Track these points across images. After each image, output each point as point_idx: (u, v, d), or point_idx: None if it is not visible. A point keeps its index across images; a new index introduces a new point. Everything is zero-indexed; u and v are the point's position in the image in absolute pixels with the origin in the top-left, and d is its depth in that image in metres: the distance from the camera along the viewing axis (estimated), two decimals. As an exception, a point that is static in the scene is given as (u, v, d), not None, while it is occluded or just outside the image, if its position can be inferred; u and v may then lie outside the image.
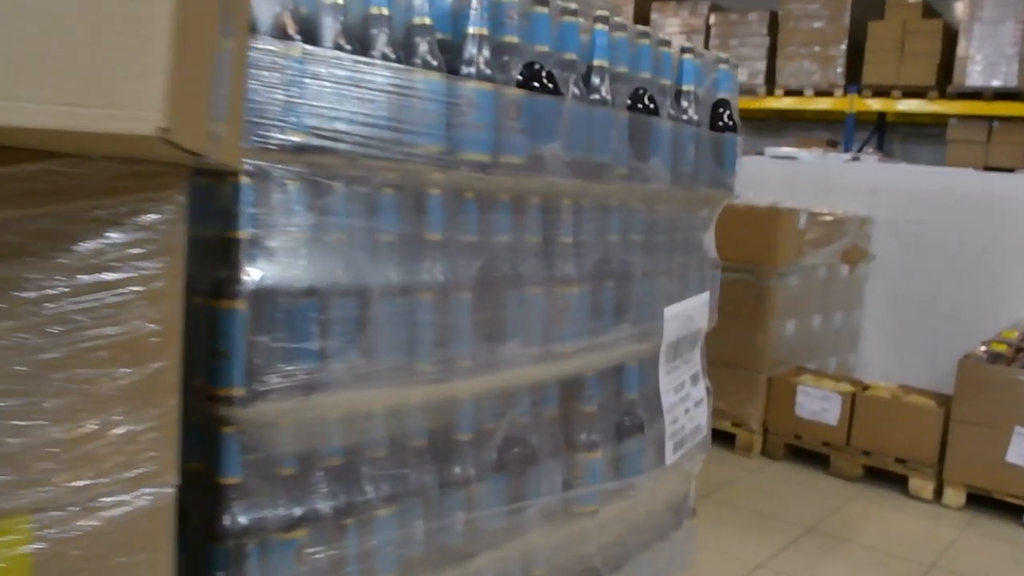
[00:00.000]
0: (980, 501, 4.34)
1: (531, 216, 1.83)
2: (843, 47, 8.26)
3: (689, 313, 2.28)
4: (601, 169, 1.92)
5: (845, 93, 8.23)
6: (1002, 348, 4.36)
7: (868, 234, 5.57)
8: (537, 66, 1.80)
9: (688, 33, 8.96)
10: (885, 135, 9.01)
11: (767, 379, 4.85)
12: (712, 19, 8.84)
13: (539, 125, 1.77)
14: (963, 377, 4.34)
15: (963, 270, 5.36)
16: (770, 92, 8.54)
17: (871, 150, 7.05)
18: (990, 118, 7.81)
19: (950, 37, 7.87)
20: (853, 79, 8.22)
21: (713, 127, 2.34)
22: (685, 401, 2.35)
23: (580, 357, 1.96)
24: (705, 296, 2.40)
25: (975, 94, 7.73)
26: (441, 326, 1.66)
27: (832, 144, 8.11)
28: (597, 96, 1.94)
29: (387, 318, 1.59)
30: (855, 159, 5.95)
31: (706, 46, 8.86)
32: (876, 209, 5.58)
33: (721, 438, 4.97)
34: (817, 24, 8.38)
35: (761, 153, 6.68)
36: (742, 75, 8.51)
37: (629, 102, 2.04)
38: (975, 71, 7.68)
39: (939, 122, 8.20)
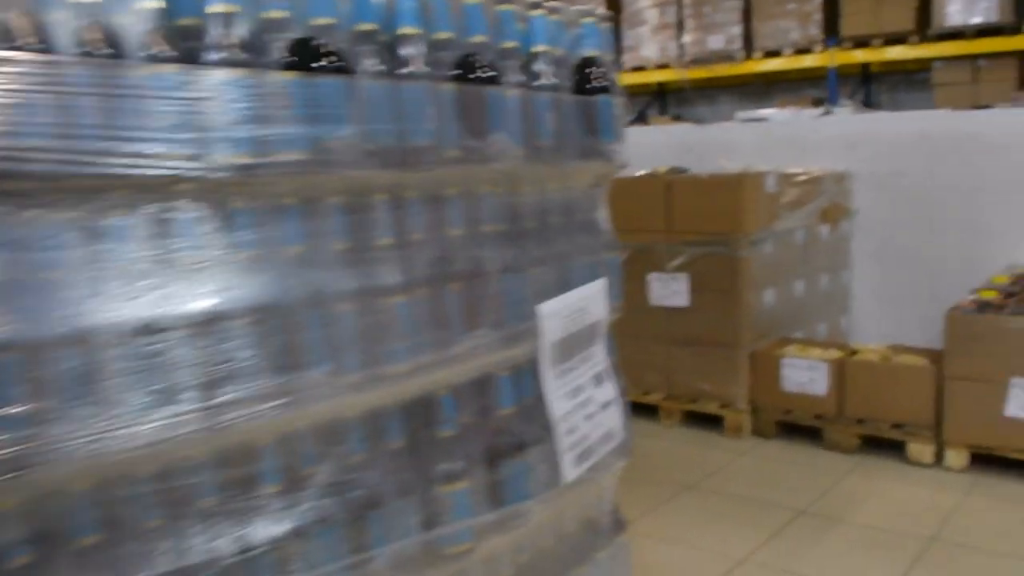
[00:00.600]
0: (984, 460, 3.94)
1: (330, 220, 1.50)
2: (818, 1, 7.85)
3: (578, 306, 1.95)
4: (420, 154, 1.59)
5: (825, 48, 7.81)
6: (991, 295, 3.97)
7: (848, 190, 5.18)
8: (315, 42, 1.48)
9: (661, 5, 8.58)
10: (872, 87, 8.57)
11: (749, 355, 4.49)
12: (684, -11, 8.44)
13: (322, 112, 1.45)
14: (952, 331, 3.95)
15: (949, 217, 4.95)
16: (748, 56, 8.13)
17: (847, 103, 6.63)
18: (975, 57, 7.37)
19: (926, -22, 7.45)
20: (832, 32, 7.80)
21: (580, 90, 2.00)
22: (586, 406, 2.01)
23: (422, 376, 1.63)
24: (599, 284, 2.05)
25: (957, 34, 7.29)
26: (211, 363, 1.35)
27: (819, 102, 7.69)
28: (408, 69, 1.61)
29: (130, 362, 1.27)
30: (828, 113, 5.55)
31: (679, 16, 8.48)
32: (855, 163, 5.19)
33: (709, 421, 4.63)
34: (790, -19, 7.97)
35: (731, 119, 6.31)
36: (718, 42, 8.12)
37: (458, 71, 1.70)
38: (954, 10, 7.24)
39: (925, 67, 7.76)
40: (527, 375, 1.87)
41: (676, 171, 4.88)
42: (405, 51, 1.62)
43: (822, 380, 4.26)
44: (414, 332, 1.61)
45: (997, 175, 4.79)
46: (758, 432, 4.49)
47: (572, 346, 1.97)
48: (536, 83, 1.88)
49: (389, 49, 1.62)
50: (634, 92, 9.68)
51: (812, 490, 3.83)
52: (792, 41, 7.95)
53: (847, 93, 8.14)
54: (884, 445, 4.18)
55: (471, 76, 1.71)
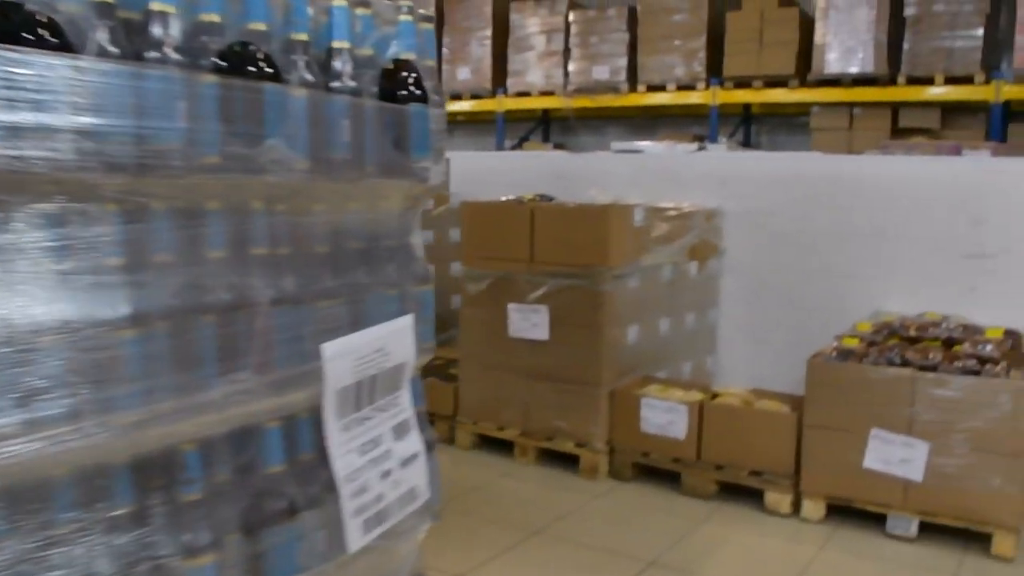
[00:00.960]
0: (841, 512, 3.79)
1: (25, 235, 1.18)
2: (703, 40, 7.79)
3: (375, 346, 1.65)
4: (164, 158, 1.28)
5: (708, 86, 7.75)
6: (854, 343, 3.82)
7: (718, 227, 5.03)
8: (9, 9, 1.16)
9: (548, 32, 8.42)
10: (752, 127, 8.56)
11: (609, 393, 4.26)
12: (571, 16, 8.30)
13: (19, 96, 1.13)
14: (813, 378, 3.79)
15: (818, 260, 4.84)
16: (632, 88, 8.02)
17: (724, 141, 6.54)
18: (851, 104, 7.42)
19: (807, 25, 7.45)
20: (715, 72, 7.75)
21: (388, 97, 1.71)
22: (382, 462, 1.72)
23: (157, 426, 1.31)
24: (404, 322, 1.77)
25: (835, 81, 7.32)
26: None
27: (701, 139, 7.61)
28: (152, 55, 1.30)
29: None
30: (702, 148, 5.42)
31: (566, 45, 8.32)
32: (726, 200, 5.04)
33: (566, 460, 4.37)
34: (677, 17, 7.90)
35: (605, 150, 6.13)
36: (603, 73, 7.98)
37: (226, 62, 1.40)
38: (832, 58, 7.27)
39: (803, 111, 7.79)
40: (304, 426, 1.56)
41: (543, 198, 4.64)
42: (154, 32, 1.31)
43: (681, 423, 4.06)
44: (149, 374, 1.29)
45: (867, 221, 4.69)
46: (615, 474, 4.26)
47: (366, 392, 1.67)
48: (332, 84, 1.58)
49: (134, 29, 1.31)
50: (518, 118, 9.49)
51: (666, 538, 3.61)
52: (676, 77, 7.87)
53: (728, 132, 8.10)
54: (742, 492, 3.99)
55: (243, 69, 1.41)
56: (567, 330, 4.29)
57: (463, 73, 8.95)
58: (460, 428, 4.65)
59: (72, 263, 1.23)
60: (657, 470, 4.19)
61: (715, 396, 4.24)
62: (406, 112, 1.72)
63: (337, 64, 1.60)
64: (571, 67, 8.30)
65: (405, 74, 1.72)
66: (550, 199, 4.66)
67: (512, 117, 9.34)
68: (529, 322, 4.37)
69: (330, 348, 1.55)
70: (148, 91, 1.27)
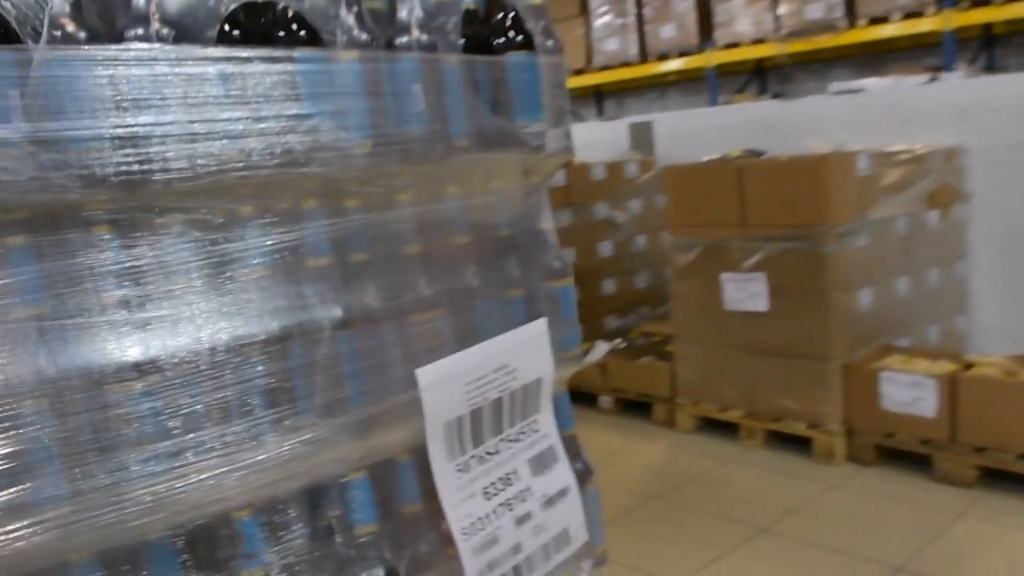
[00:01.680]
0: None
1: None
2: (930, -41, 6.82)
3: (497, 363, 1.28)
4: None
5: (938, 9, 6.78)
6: None
7: (960, 168, 4.28)
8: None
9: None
10: (995, 51, 7.45)
11: (842, 367, 3.68)
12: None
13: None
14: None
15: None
16: (852, 24, 7.15)
17: (963, 69, 5.63)
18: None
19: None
20: (947, -8, 6.76)
21: (477, 47, 1.31)
22: (518, 504, 1.34)
23: (189, 493, 1.00)
24: (534, 329, 1.38)
25: (1098, -19, 6.18)
26: None
27: (935, 70, 6.68)
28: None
29: None
30: (933, 79, 4.64)
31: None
32: (968, 136, 4.28)
33: (797, 443, 3.84)
34: (898, -63, 6.96)
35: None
36: (816, 10, 7.17)
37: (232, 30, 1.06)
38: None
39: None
40: (407, 472, 1.21)
41: (752, 154, 4.09)
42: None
43: (930, 399, 3.43)
44: (180, 426, 0.97)
45: None
46: (854, 458, 3.68)
47: (488, 422, 1.30)
48: (397, 40, 1.21)
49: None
50: (730, 71, 8.79)
51: (915, 537, 3.03)
52: (901, 4, 6.93)
53: (967, 59, 7.09)
54: (1009, 480, 3.32)
55: (267, 34, 1.06)
56: (789, 299, 3.75)
57: (667, 31, 8.36)
58: (680, 410, 4.21)
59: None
60: (904, 453, 3.58)
61: (969, 366, 3.56)
62: (503, 65, 1.32)
63: (403, 14, 1.22)
64: (781, 9, 7.52)
65: (499, 16, 1.32)
66: (760, 154, 4.10)
67: (724, 71, 8.64)
68: (745, 292, 3.86)
69: (427, 374, 1.19)
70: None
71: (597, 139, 5.76)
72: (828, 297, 3.62)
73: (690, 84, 9.30)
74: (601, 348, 4.63)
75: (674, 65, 8.48)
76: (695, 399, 4.15)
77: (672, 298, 4.19)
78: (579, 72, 9.31)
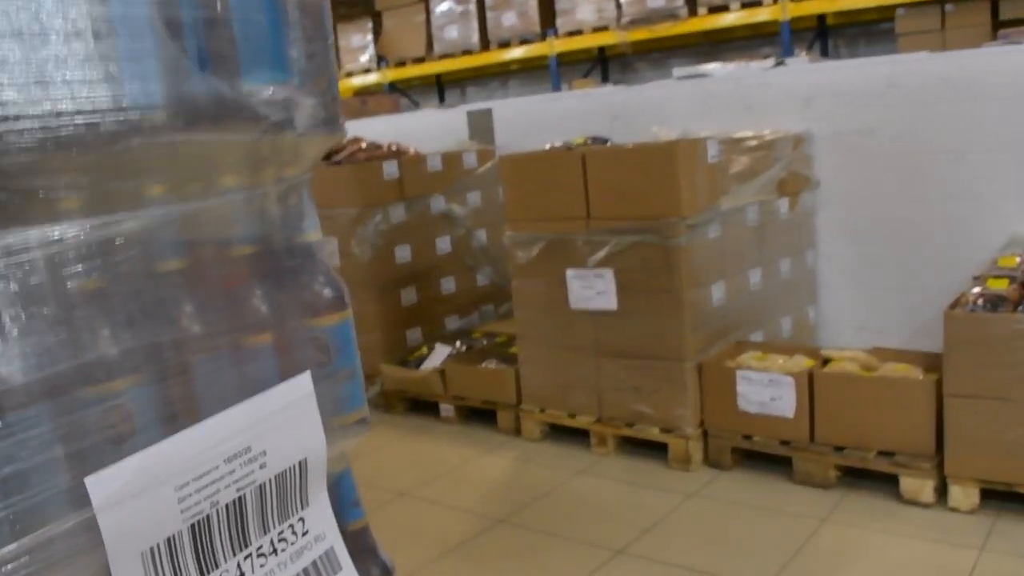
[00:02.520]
0: (998, 499, 2.88)
1: None
2: (766, -52, 6.72)
3: (232, 448, 0.84)
4: None
5: (776, 0, 6.68)
6: (1002, 286, 2.87)
7: (807, 155, 4.06)
8: None
9: (594, -35, 7.42)
10: (828, 41, 7.45)
11: (697, 367, 3.38)
12: (617, -57, 7.28)
13: None
14: (954, 334, 2.85)
15: (931, 183, 3.84)
16: (692, 12, 6.99)
17: (803, 55, 5.50)
18: (942, 1, 6.28)
19: (883, -86, 6.32)
20: (782, -18, 6.67)
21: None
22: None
23: None
24: (294, 389, 0.94)
25: (921, -26, 6.20)
26: None
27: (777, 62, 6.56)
28: None
29: None
30: (779, 64, 4.43)
31: (615, -25, 7.31)
32: (814, 122, 4.07)
33: (651, 449, 3.52)
34: (735, -73, 6.83)
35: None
36: (657, -1, 6.95)
37: None
38: (917, -53, 6.14)
39: (887, 16, 6.67)
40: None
41: (597, 142, 3.74)
42: None
43: (788, 398, 3.17)
44: None
45: (987, 129, 3.68)
46: (712, 462, 3.40)
47: (222, 538, 0.85)
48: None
49: None
50: (572, 60, 8.54)
51: (781, 547, 2.76)
52: (739, -7, 6.81)
53: (803, 48, 7.03)
54: (870, 478, 3.10)
55: None
56: (639, 296, 3.42)
57: (509, 19, 8.02)
58: (526, 417, 3.83)
59: None
60: (762, 455, 3.31)
61: (827, 361, 3.32)
62: (228, 6, 0.87)
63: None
64: (622, -3, 7.30)
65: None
66: (604, 142, 3.76)
67: (566, 60, 8.39)
68: (592, 290, 3.51)
69: (105, 483, 0.73)
70: None
71: (434, 128, 5.33)
72: (680, 293, 3.31)
73: (533, 73, 9.01)
74: (441, 352, 4.21)
75: (516, 53, 8.16)
76: (542, 405, 3.79)
77: (514, 298, 3.80)
78: (419, 60, 8.87)
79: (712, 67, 4.59)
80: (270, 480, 0.93)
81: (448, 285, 4.62)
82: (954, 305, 2.95)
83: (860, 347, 3.48)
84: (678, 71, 4.64)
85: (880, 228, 3.99)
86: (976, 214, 3.73)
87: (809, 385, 3.14)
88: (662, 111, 4.41)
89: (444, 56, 8.60)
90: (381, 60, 9.09)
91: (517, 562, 2.85)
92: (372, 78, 9.19)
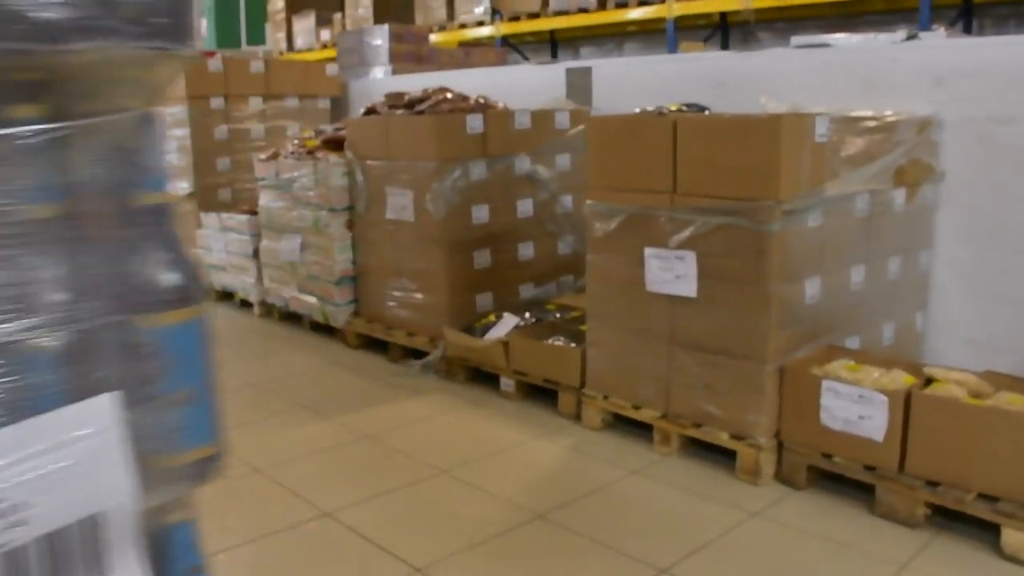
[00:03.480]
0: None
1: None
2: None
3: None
4: None
5: (919, -29, 5.98)
6: None
7: (933, 142, 3.50)
8: None
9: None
10: (973, 19, 6.67)
11: (778, 370, 2.93)
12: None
13: None
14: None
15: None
16: (823, -19, 6.34)
17: (942, 29, 4.84)
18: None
19: None
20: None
21: None
22: None
23: None
24: (83, 414, 0.59)
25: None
26: None
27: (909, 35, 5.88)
28: None
29: None
30: (912, 37, 3.85)
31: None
32: (945, 105, 3.51)
33: (718, 455, 3.10)
34: None
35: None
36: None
37: None
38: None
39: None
40: None
41: (693, 109, 3.28)
42: None
43: (879, 418, 2.69)
44: None
45: None
46: (784, 478, 2.95)
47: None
48: None
49: None
50: (691, 25, 7.96)
51: (850, 596, 2.31)
52: (878, -37, 6.13)
53: (944, 26, 6.29)
54: (966, 522, 2.61)
55: None
56: (721, 284, 2.98)
57: (628, -24, 7.48)
58: (588, 403, 3.45)
59: None
60: (843, 479, 2.85)
61: (929, 381, 2.82)
62: None
63: None
64: (751, -40, 6.68)
65: None
66: (702, 110, 3.30)
67: (685, 24, 7.82)
68: (672, 273, 3.08)
69: None
70: None
71: (532, 84, 4.92)
72: (768, 286, 2.85)
73: (650, 36, 8.46)
74: (508, 322, 3.85)
75: (633, 14, 7.64)
76: (606, 391, 3.39)
77: (587, 273, 3.40)
78: (534, 16, 8.43)
79: (835, 37, 4.03)
80: (35, 543, 0.59)
81: (526, 251, 4.24)
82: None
83: (970, 367, 2.96)
84: (797, 39, 4.10)
85: (1010, 233, 3.41)
86: None
87: (905, 407, 2.65)
88: (774, 82, 3.90)
89: (558, 13, 8.14)
90: (495, 13, 8.68)
91: (545, 566, 2.49)
92: (485, 31, 8.79)
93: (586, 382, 3.46)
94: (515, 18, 8.55)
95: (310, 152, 4.59)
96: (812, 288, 3.01)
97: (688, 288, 3.05)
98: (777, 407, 2.94)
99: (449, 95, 4.10)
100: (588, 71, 4.64)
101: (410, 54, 6.30)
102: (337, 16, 9.92)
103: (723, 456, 3.07)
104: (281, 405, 3.82)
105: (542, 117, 4.20)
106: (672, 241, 3.05)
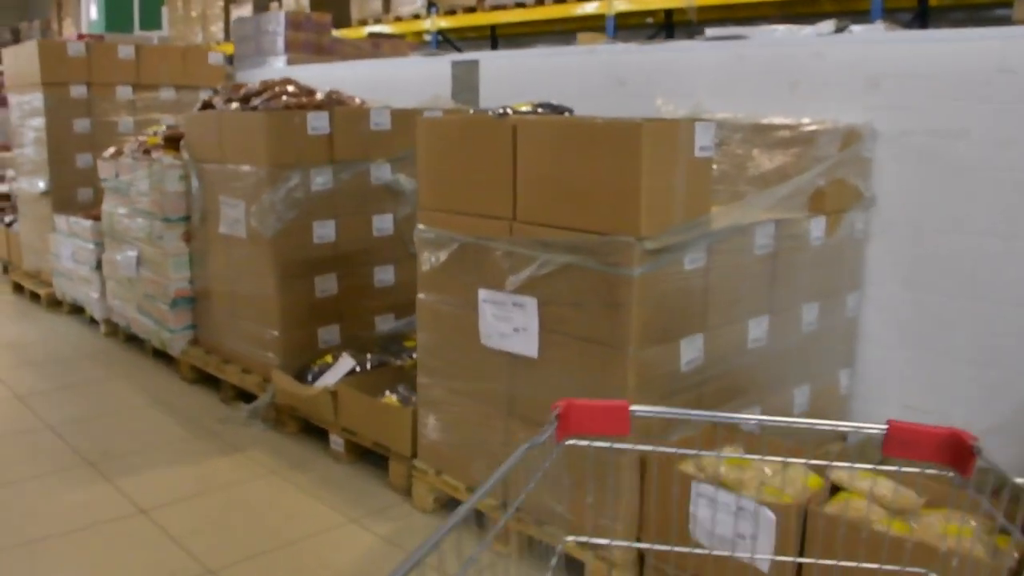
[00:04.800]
0: None
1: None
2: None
3: None
4: None
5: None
6: None
7: (863, 158, 2.66)
8: None
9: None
10: (929, 25, 5.83)
11: (638, 461, 2.08)
12: None
13: None
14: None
15: (1046, 219, 2.42)
16: (768, -24, 5.49)
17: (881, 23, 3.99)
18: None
19: None
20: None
21: None
22: None
23: None
24: None
25: (1058, -54, 4.57)
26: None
27: (839, 26, 5.05)
28: None
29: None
30: (841, 29, 2.99)
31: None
32: (879, 112, 2.66)
33: (569, 562, 2.25)
34: None
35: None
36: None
37: None
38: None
39: (1005, 0, 5.08)
40: None
41: (549, 111, 2.41)
42: None
43: (765, 540, 1.86)
44: None
45: None
46: (646, 603, 2.10)
47: None
48: None
49: None
50: (634, 24, 7.10)
51: None
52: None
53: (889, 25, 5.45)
54: None
55: None
56: (568, 343, 2.13)
57: (565, -31, 6.61)
58: (418, 478, 2.60)
59: None
60: (717, 613, 2.00)
61: (835, 491, 1.97)
62: None
63: None
64: (691, -48, 5.82)
65: None
66: (562, 111, 2.42)
67: (628, 23, 6.96)
68: (509, 324, 2.23)
69: None
70: None
71: (417, 79, 4.05)
72: (625, 349, 2.01)
73: (596, 35, 7.57)
74: (343, 366, 3.00)
75: (574, 10, 6.78)
76: (439, 466, 2.54)
77: (418, 315, 2.54)
78: (470, 10, 7.55)
79: (755, 28, 3.18)
80: None
81: (384, 275, 3.38)
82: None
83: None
84: (711, 31, 3.24)
85: (958, 272, 2.58)
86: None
87: (801, 526, 1.81)
88: (679, 80, 3.05)
89: (496, 7, 7.26)
90: (432, 6, 7.80)
91: None
92: (424, 25, 7.90)
93: (418, 451, 2.60)
94: (452, 12, 7.67)
95: (146, 151, 3.71)
96: (691, 350, 2.16)
97: (528, 346, 2.20)
98: (637, 511, 2.09)
99: (291, 88, 3.22)
100: (475, 65, 3.77)
101: (309, 44, 5.43)
102: (274, 6, 9.01)
103: (572, 566, 2.22)
104: (65, 459, 2.96)
105: (405, 117, 3.33)
106: (510, 282, 2.19)
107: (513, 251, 2.18)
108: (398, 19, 8.01)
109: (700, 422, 2.17)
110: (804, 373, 2.61)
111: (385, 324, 3.40)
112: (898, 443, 1.13)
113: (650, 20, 7.27)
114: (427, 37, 7.97)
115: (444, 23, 7.79)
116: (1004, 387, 2.54)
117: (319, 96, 3.25)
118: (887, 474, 1.96)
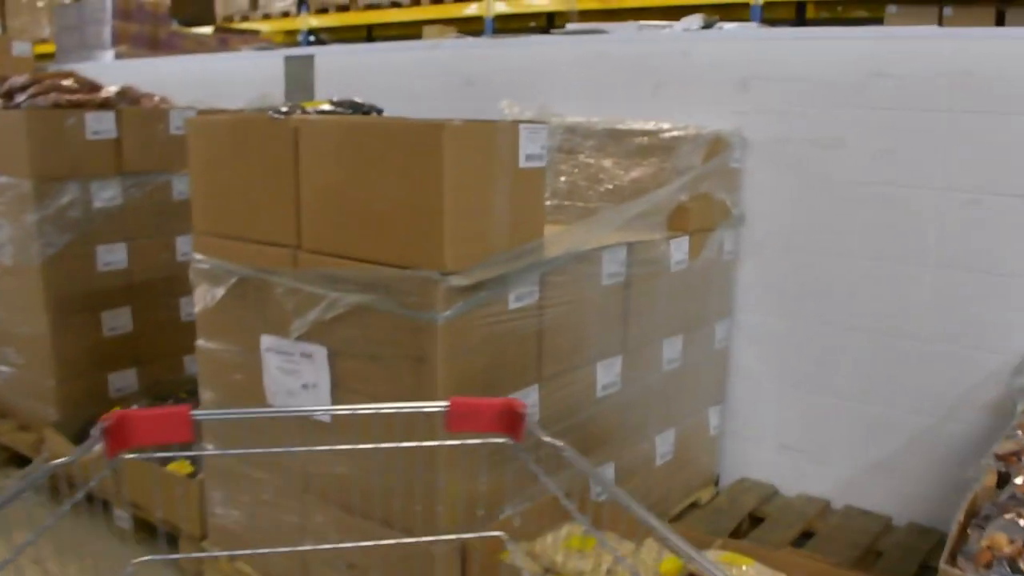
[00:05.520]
0: None
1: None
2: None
3: None
4: None
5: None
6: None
7: (731, 170, 2.28)
8: None
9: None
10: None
11: (458, 550, 1.63)
12: None
13: None
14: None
15: (930, 237, 2.09)
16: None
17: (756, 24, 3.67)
18: (940, 2, 4.62)
19: None
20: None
21: None
22: None
23: None
24: None
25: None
26: None
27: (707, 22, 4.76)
28: None
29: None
30: (710, 26, 2.62)
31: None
32: (749, 117, 2.30)
33: None
34: None
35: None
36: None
37: None
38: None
39: (876, 15, 4.93)
40: None
41: (350, 111, 1.92)
42: None
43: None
44: None
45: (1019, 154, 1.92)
46: None
47: None
48: None
49: None
50: (516, 27, 6.71)
51: None
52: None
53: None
54: None
55: None
56: (364, 403, 1.64)
57: (438, -31, 6.16)
58: (208, 566, 2.08)
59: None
60: None
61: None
62: None
63: None
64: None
65: None
66: (367, 112, 1.94)
67: (512, 25, 6.55)
68: (297, 379, 1.75)
69: None
70: None
71: (252, 76, 3.52)
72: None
73: (441, 26, 7.17)
74: (129, 421, 2.44)
75: (453, 12, 6.34)
76: (229, 546, 2.03)
77: (198, 364, 2.04)
78: (343, 8, 7.03)
79: (618, 24, 2.78)
80: None
81: (193, 308, 2.83)
82: (961, 532, 1.20)
83: (785, 483, 1.74)
84: (571, 26, 2.83)
85: (834, 297, 2.23)
86: (991, 291, 1.98)
87: (648, 642, 1.39)
88: (531, 79, 2.64)
89: (370, 7, 6.76)
90: (302, 4, 7.24)
91: None
92: (295, 23, 7.33)
93: (208, 532, 2.09)
94: (323, 10, 7.13)
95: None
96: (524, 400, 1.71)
97: (319, 405, 1.72)
98: (452, 610, 1.64)
99: (68, 82, 2.65)
100: (310, 60, 3.27)
101: (142, 36, 4.81)
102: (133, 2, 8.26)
103: None
104: None
105: (216, 120, 2.80)
106: (295, 327, 1.71)
107: (297, 287, 1.70)
108: (267, 16, 7.40)
109: (535, 495, 1.74)
110: (667, 416, 2.21)
111: (196, 365, 2.86)
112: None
113: (532, 24, 6.90)
114: (299, 37, 7.42)
115: (316, 22, 7.24)
116: (884, 424, 2.21)
117: (104, 93, 2.69)
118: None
